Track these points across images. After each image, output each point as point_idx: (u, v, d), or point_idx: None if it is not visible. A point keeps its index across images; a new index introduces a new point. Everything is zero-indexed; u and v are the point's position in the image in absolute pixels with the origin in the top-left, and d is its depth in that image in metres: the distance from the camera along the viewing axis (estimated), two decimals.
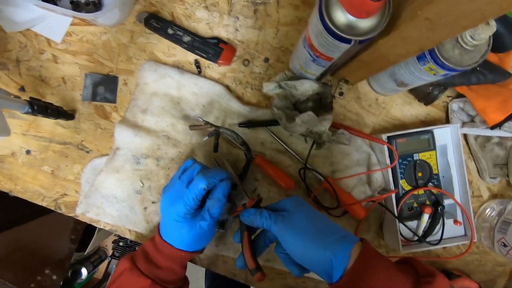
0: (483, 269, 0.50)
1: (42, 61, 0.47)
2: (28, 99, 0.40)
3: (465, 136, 0.49)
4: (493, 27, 0.29)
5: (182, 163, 0.41)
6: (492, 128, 0.44)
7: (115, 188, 0.47)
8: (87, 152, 0.48)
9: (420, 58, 0.34)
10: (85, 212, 0.47)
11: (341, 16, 0.27)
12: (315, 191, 0.47)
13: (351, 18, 0.27)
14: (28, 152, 0.48)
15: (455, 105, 0.48)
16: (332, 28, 0.27)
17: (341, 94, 0.49)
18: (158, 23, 0.46)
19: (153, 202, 0.48)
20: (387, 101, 0.49)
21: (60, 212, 0.48)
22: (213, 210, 0.37)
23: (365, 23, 0.27)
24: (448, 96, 0.49)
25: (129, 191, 0.47)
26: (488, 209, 0.49)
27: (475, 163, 0.50)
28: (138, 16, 0.47)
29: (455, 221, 0.47)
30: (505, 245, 0.44)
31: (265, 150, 0.48)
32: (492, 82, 0.42)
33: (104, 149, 0.48)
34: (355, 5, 0.25)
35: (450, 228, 0.47)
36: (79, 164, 0.48)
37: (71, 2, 0.45)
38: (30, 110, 0.40)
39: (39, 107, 0.41)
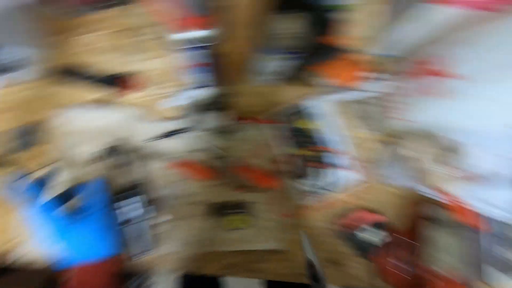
0: (384, 203, 0.60)
1: None
2: None
3: (338, 103, 0.61)
4: (298, 19, 0.41)
5: None
6: (346, 90, 0.56)
7: None
8: None
9: (266, 51, 0.46)
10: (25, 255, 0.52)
11: (186, 31, 0.38)
12: (232, 175, 0.55)
13: (193, 31, 0.38)
14: None
15: (323, 81, 0.60)
16: (182, 42, 0.37)
17: (235, 94, 0.59)
18: (68, 72, 0.55)
19: None
20: (271, 90, 0.60)
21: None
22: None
23: (205, 33, 0.38)
24: (318, 76, 0.62)
25: None
26: (373, 154, 0.60)
27: (353, 121, 0.61)
28: (51, 71, 0.55)
29: (346, 169, 0.57)
30: (382, 172, 0.55)
31: (180, 155, 0.56)
32: (334, 57, 0.54)
33: None
34: (189, 21, 0.36)
35: (344, 175, 0.57)
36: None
37: None
38: None
39: None
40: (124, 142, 0.55)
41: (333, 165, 0.56)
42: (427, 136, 0.48)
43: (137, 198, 0.49)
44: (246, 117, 0.58)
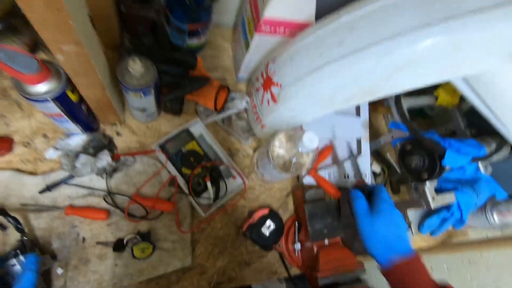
0: (275, 199, 0.70)
1: None
2: None
3: (215, 123, 0.71)
4: (137, 62, 0.49)
5: None
6: (217, 111, 0.66)
7: None
8: None
9: (124, 90, 0.53)
10: None
11: (28, 87, 0.42)
12: (127, 209, 0.58)
13: (33, 87, 0.42)
14: None
15: (200, 108, 0.70)
16: (26, 96, 0.42)
17: (118, 134, 0.64)
18: None
19: None
20: (155, 125, 0.67)
21: None
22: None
23: (47, 86, 0.43)
24: (195, 104, 0.71)
25: None
26: (254, 160, 0.70)
27: (233, 136, 0.72)
28: None
29: (233, 177, 0.66)
30: (262, 174, 0.65)
31: (73, 201, 0.58)
32: (201, 86, 0.65)
33: None
34: (26, 79, 0.40)
35: (233, 183, 0.66)
36: None
37: None
38: None
39: None
40: (4, 203, 0.54)
41: (221, 176, 0.64)
42: (281, 134, 0.59)
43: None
44: (130, 152, 0.62)
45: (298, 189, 0.69)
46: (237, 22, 0.73)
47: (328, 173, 0.70)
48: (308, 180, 0.68)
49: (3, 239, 0.53)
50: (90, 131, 0.60)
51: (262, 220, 0.64)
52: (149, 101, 0.57)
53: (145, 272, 0.58)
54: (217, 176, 0.64)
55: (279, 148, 0.59)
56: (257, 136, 0.72)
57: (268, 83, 0.58)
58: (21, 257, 0.48)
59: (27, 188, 0.56)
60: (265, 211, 0.65)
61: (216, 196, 0.63)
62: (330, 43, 0.46)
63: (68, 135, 0.59)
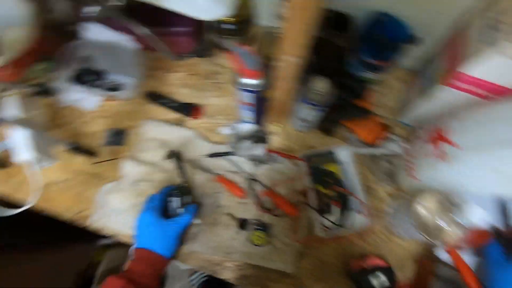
0: (394, 255, 0.65)
1: (80, 122, 0.74)
2: (70, 142, 0.65)
3: (361, 155, 0.71)
4: (324, 82, 0.56)
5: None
6: (369, 145, 0.67)
7: (119, 203, 0.67)
8: (103, 179, 0.70)
9: (303, 101, 0.60)
10: (95, 221, 0.66)
11: (244, 80, 0.54)
12: (260, 197, 0.66)
13: (249, 80, 0.54)
14: (62, 181, 0.69)
15: (351, 136, 0.72)
16: (239, 85, 0.54)
17: (274, 133, 0.73)
18: (155, 97, 0.75)
19: None
20: (307, 136, 0.74)
21: (78, 224, 0.67)
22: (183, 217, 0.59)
23: (256, 82, 0.54)
24: (347, 132, 0.74)
25: (129, 205, 0.67)
26: (388, 207, 0.67)
27: (372, 175, 0.71)
28: (143, 94, 0.76)
29: (361, 213, 0.65)
30: (394, 226, 0.61)
31: (224, 172, 0.70)
32: (360, 117, 0.67)
33: (114, 177, 0.70)
34: (247, 73, 0.52)
35: (358, 218, 0.65)
36: (96, 188, 0.69)
37: (103, 88, 0.75)
38: (72, 147, 0.64)
39: (78, 146, 0.65)
40: (182, 152, 0.70)
41: (349, 207, 0.65)
42: (434, 194, 0.55)
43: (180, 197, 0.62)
44: (279, 151, 0.70)
45: (428, 259, 0.61)
46: (419, 67, 0.71)
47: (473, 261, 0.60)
48: (443, 255, 0.60)
49: (170, 178, 0.68)
50: (257, 124, 0.71)
51: (374, 270, 0.61)
52: (315, 115, 0.64)
53: (253, 257, 0.64)
54: (345, 204, 0.64)
55: (424, 207, 0.55)
56: (399, 184, 0.68)
57: (441, 139, 0.55)
58: (180, 199, 0.62)
59: (199, 149, 0.72)
60: (381, 262, 0.61)
61: (338, 223, 0.64)
62: None
63: (242, 121, 0.71)
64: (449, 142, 0.53)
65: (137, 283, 0.50)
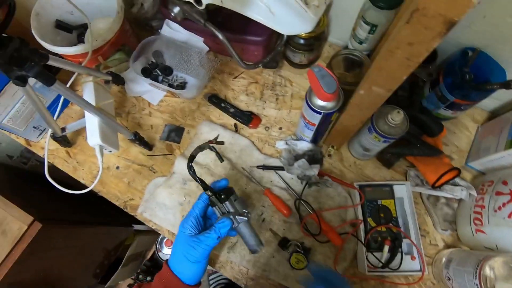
0: None
1: (142, 114, 0.77)
2: (133, 133, 0.67)
3: (420, 195, 0.67)
4: (401, 114, 0.52)
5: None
6: (432, 187, 0.62)
7: (166, 199, 0.68)
8: (154, 172, 0.72)
9: (369, 129, 0.57)
10: (143, 212, 0.68)
11: (316, 100, 0.52)
12: (305, 219, 0.64)
13: (321, 102, 0.52)
14: (117, 167, 0.72)
15: (411, 172, 0.68)
16: (310, 104, 0.52)
17: (329, 155, 0.71)
18: (216, 100, 0.75)
19: None
20: (362, 164, 0.70)
21: (126, 211, 0.69)
22: (209, 235, 0.45)
23: (329, 104, 0.52)
24: (407, 166, 0.69)
25: (175, 202, 0.68)
26: (443, 257, 0.62)
27: (430, 217, 0.66)
28: (205, 95, 0.77)
29: (412, 257, 0.60)
30: (449, 278, 0.56)
31: (272, 186, 0.69)
32: (429, 155, 0.63)
33: (165, 172, 0.71)
34: (321, 95, 0.50)
35: (408, 262, 0.60)
36: (147, 180, 0.71)
37: (169, 84, 0.77)
38: (133, 138, 0.66)
39: (139, 137, 0.67)
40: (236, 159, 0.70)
41: (400, 247, 0.60)
42: (503, 256, 0.50)
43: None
44: (333, 176, 0.68)
45: None
46: (503, 112, 0.65)
47: None
48: None
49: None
50: (314, 143, 0.69)
51: None
52: (380, 147, 0.60)
53: (289, 280, 0.62)
54: (397, 246, 0.60)
55: (493, 270, 0.49)
56: (459, 234, 0.63)
57: None
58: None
59: (251, 159, 0.71)
60: None
61: (386, 264, 0.59)
62: None
63: (298, 138, 0.70)
64: None
65: None
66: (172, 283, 0.46)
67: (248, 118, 0.73)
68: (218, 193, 0.49)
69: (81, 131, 0.75)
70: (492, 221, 0.53)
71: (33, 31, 0.64)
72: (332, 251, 0.63)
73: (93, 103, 0.60)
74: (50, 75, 0.47)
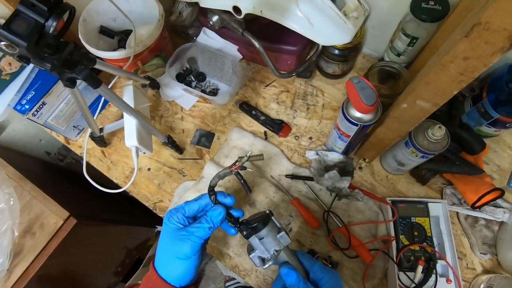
0: None
1: (174, 118, 0.79)
2: (166, 136, 0.69)
3: (457, 214, 0.64)
4: (442, 130, 0.50)
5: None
6: (472, 207, 0.59)
7: None
8: (184, 175, 0.73)
9: (406, 143, 0.55)
10: None
11: (354, 112, 0.52)
12: (334, 233, 0.63)
13: (358, 114, 0.51)
14: (149, 169, 0.74)
15: (448, 190, 0.65)
16: (347, 116, 0.51)
17: (360, 168, 0.69)
18: (247, 107, 0.76)
19: None
20: (395, 178, 0.68)
21: (155, 212, 0.70)
22: (198, 227, 0.38)
23: (367, 117, 0.51)
24: (443, 184, 0.66)
25: None
26: (482, 283, 0.58)
27: (467, 239, 0.62)
28: (236, 102, 0.78)
29: (447, 280, 0.57)
30: None
31: (300, 196, 0.68)
32: (469, 174, 0.60)
33: (195, 176, 0.72)
34: (360, 107, 0.49)
35: (443, 285, 0.57)
36: (176, 183, 0.72)
37: (202, 90, 0.79)
38: (166, 141, 0.68)
39: (171, 141, 0.69)
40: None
41: (434, 269, 0.58)
42: None
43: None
44: (364, 190, 0.66)
45: None
46: None
47: None
48: None
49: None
50: (345, 155, 0.67)
51: None
52: (416, 162, 0.58)
53: None
54: (432, 267, 0.57)
55: None
56: (500, 259, 0.59)
57: None
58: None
59: (280, 168, 0.71)
60: None
61: (419, 285, 0.57)
62: None
63: (329, 148, 0.69)
64: None
65: None
66: (158, 286, 0.38)
67: (278, 126, 0.73)
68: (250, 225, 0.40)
69: (116, 132, 0.78)
70: None
71: (80, 36, 0.68)
72: (360, 267, 0.61)
73: (132, 105, 0.62)
74: (97, 78, 0.49)
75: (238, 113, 0.77)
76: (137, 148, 0.61)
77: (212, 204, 0.41)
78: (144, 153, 0.66)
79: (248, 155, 0.39)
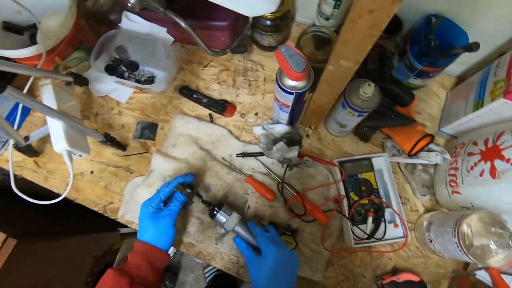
0: (428, 271, 0.62)
1: (111, 114, 0.73)
2: (103, 134, 0.64)
3: (398, 164, 0.68)
4: (372, 87, 0.52)
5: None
6: (408, 155, 0.63)
7: (147, 198, 0.66)
8: (131, 172, 0.69)
9: (343, 105, 0.57)
10: (124, 215, 0.66)
11: (287, 81, 0.51)
12: (289, 202, 0.64)
13: (292, 82, 0.51)
14: (91, 172, 0.69)
15: (388, 143, 0.69)
16: (281, 86, 0.51)
17: (307, 136, 0.71)
18: (187, 91, 0.73)
19: None
20: (341, 141, 0.71)
21: (106, 215, 0.67)
22: (172, 205, 0.56)
23: (300, 84, 0.51)
24: (384, 138, 0.70)
25: None
26: (424, 221, 0.64)
27: (409, 185, 0.67)
28: (175, 87, 0.74)
29: (395, 225, 0.62)
30: (431, 240, 0.58)
31: (253, 173, 0.68)
32: (403, 125, 0.64)
33: (143, 171, 0.69)
34: (291, 74, 0.49)
35: (392, 230, 0.62)
36: (124, 181, 0.68)
37: (136, 80, 0.74)
38: (104, 139, 0.63)
39: (110, 138, 0.64)
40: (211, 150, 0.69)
41: (383, 218, 0.62)
42: (481, 213, 0.52)
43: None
44: (312, 156, 0.68)
45: (465, 278, 0.58)
46: (469, 75, 0.67)
47: None
48: (482, 275, 0.57)
49: (198, 175, 0.67)
50: (291, 125, 0.68)
51: (407, 285, 0.58)
52: (355, 121, 0.61)
53: None
54: (380, 216, 0.62)
55: (470, 226, 0.51)
56: (437, 197, 0.65)
57: (493, 154, 0.51)
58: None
59: (230, 148, 0.70)
60: (415, 277, 0.59)
61: (371, 235, 0.61)
62: None
63: (275, 122, 0.69)
64: (503, 159, 0.50)
65: (134, 276, 0.50)
66: (153, 253, 0.53)
67: (222, 106, 0.71)
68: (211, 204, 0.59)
69: (47, 139, 0.71)
70: (466, 181, 0.55)
71: None
72: (318, 229, 0.64)
73: (54, 106, 0.57)
74: None
75: (180, 99, 0.74)
76: (69, 152, 0.56)
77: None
78: (80, 156, 0.61)
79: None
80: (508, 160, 0.48)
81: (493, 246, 0.48)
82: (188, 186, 0.60)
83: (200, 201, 0.60)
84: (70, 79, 0.65)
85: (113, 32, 0.71)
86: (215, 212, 0.58)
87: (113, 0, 0.73)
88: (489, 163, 0.51)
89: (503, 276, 0.57)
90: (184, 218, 0.65)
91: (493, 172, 0.50)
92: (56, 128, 0.55)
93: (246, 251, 0.54)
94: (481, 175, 0.52)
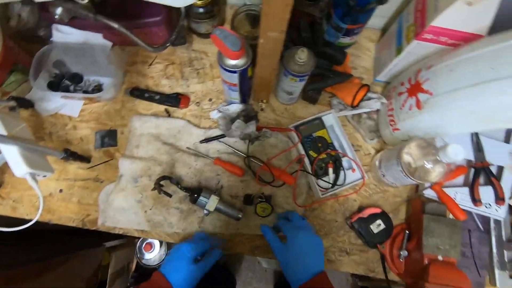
0: (387, 202, 0.71)
1: (66, 130, 0.73)
2: (63, 151, 0.64)
3: (346, 117, 0.76)
4: (305, 52, 0.58)
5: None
6: (352, 107, 0.71)
7: (122, 202, 0.68)
8: (101, 182, 0.70)
9: (285, 73, 0.62)
10: (104, 222, 0.67)
11: (228, 61, 0.55)
12: (258, 172, 0.70)
13: (232, 61, 0.55)
14: (60, 191, 0.69)
15: (334, 101, 0.76)
16: (224, 67, 0.55)
17: (262, 110, 0.76)
18: (138, 92, 0.74)
19: (150, 209, 0.68)
20: (292, 108, 0.76)
21: (86, 228, 0.67)
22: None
23: (240, 62, 0.55)
24: (329, 97, 0.77)
25: (132, 202, 0.68)
26: (376, 160, 0.72)
27: (359, 133, 0.75)
28: (125, 91, 0.75)
29: (352, 170, 0.70)
30: (383, 175, 0.67)
31: (220, 155, 0.72)
32: (342, 81, 0.71)
33: (112, 178, 0.70)
34: (230, 54, 0.53)
35: (351, 175, 0.70)
36: (96, 192, 0.69)
37: (83, 91, 0.73)
38: (65, 155, 0.63)
39: (71, 153, 0.65)
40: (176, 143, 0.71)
41: (341, 166, 0.69)
42: (416, 140, 0.60)
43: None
44: (270, 126, 0.73)
45: (416, 199, 0.68)
46: (389, 26, 0.75)
47: (454, 193, 0.67)
48: (429, 193, 0.67)
49: (168, 170, 0.70)
50: (244, 103, 0.72)
51: (372, 218, 0.67)
52: (299, 87, 0.66)
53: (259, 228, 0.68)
54: (339, 165, 0.69)
55: (410, 154, 0.60)
56: (383, 138, 0.73)
57: (415, 89, 0.59)
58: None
59: (192, 137, 0.73)
60: (377, 210, 0.67)
61: (334, 183, 0.68)
62: (508, 59, 0.45)
63: (229, 102, 0.73)
64: (423, 91, 0.58)
65: None
66: None
67: (175, 100, 0.74)
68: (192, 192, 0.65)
69: (5, 169, 0.69)
70: (400, 118, 0.64)
71: None
72: (289, 191, 0.70)
73: (4, 133, 0.56)
74: None
75: (132, 101, 0.75)
76: (32, 174, 0.56)
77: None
78: (45, 175, 0.61)
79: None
80: (427, 91, 0.57)
81: (428, 165, 0.57)
82: (169, 179, 0.65)
83: (183, 190, 0.65)
84: (13, 104, 0.63)
85: (46, 48, 0.70)
86: (195, 196, 0.64)
87: (38, 16, 0.71)
88: (414, 97, 0.60)
89: (446, 190, 0.67)
90: (163, 211, 0.68)
91: (418, 104, 0.58)
92: (12, 154, 0.55)
93: (273, 241, 0.57)
94: (410, 109, 0.60)
